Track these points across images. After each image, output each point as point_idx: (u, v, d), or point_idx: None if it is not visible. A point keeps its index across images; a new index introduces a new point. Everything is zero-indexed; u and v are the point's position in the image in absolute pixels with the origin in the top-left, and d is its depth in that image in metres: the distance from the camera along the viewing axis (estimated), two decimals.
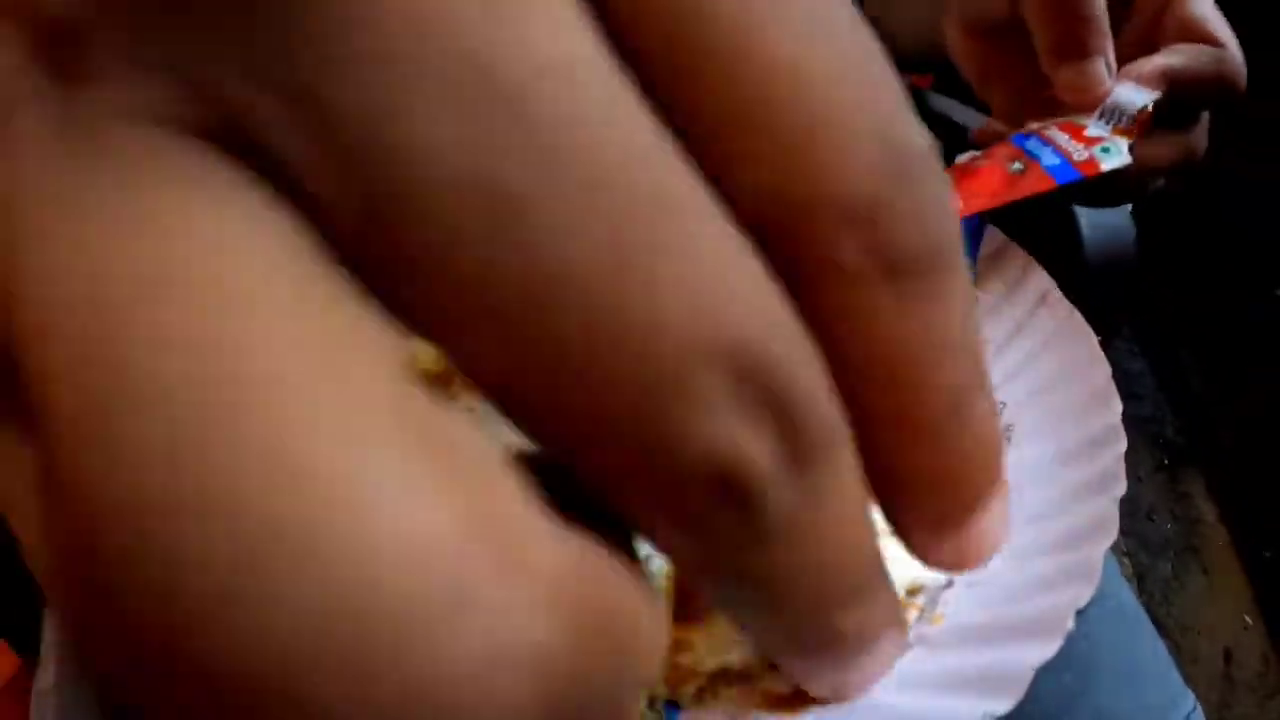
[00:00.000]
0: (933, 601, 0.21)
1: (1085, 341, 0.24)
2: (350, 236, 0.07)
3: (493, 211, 0.06)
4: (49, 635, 0.34)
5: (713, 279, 0.06)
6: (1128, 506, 1.18)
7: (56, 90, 0.06)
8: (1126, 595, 0.34)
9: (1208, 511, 1.58)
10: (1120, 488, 0.20)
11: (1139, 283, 0.52)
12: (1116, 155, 0.28)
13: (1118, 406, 0.21)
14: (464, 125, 0.06)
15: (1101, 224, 0.52)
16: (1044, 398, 0.24)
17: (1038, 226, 0.51)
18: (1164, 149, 0.31)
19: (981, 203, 0.28)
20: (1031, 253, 0.52)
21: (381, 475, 0.06)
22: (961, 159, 0.31)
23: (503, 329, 0.06)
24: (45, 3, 0.06)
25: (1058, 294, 0.26)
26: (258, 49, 0.06)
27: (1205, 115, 0.33)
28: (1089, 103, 0.30)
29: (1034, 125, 0.31)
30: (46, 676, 0.32)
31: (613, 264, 0.06)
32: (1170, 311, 1.96)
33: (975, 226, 0.30)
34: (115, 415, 0.06)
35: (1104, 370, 0.23)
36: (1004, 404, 0.24)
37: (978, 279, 0.29)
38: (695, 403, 0.06)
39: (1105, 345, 0.61)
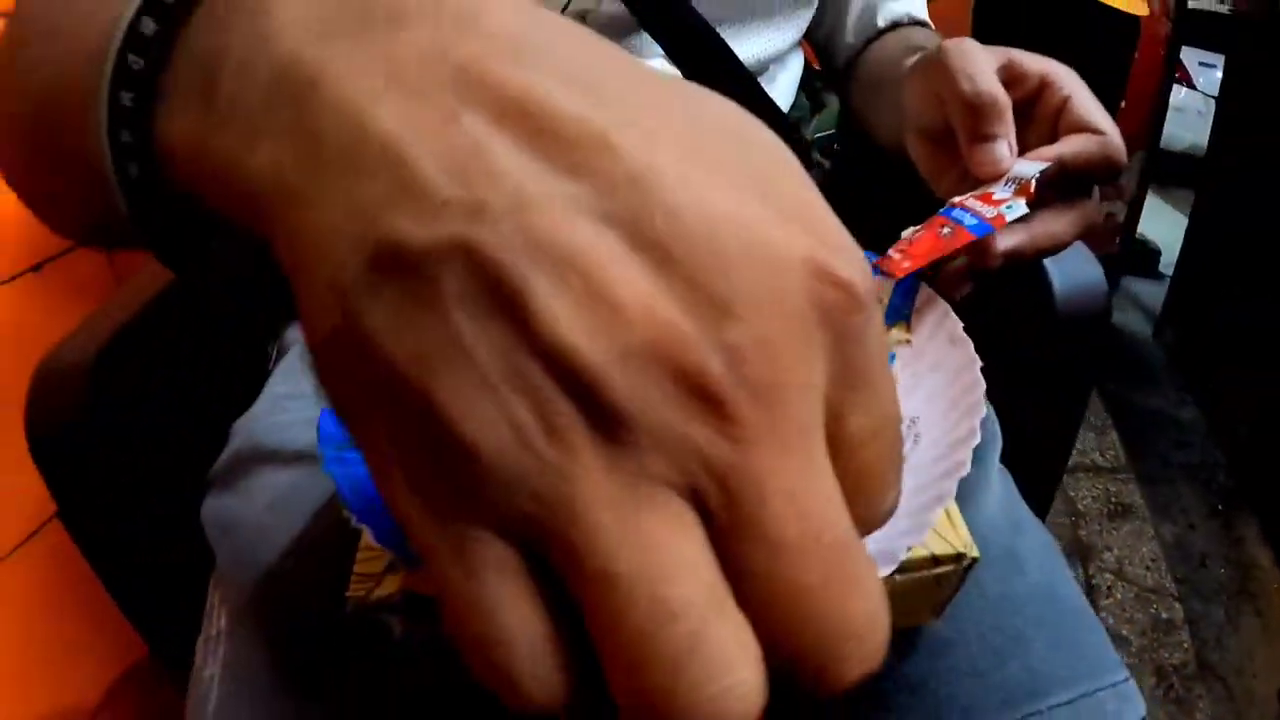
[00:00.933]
0: None
1: (973, 369, 0.32)
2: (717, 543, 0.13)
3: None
4: (211, 627, 0.42)
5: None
6: (1179, 554, 1.22)
7: (607, 447, 0.13)
8: (1066, 589, 0.42)
9: (1262, 556, 1.58)
10: (964, 471, 0.28)
11: (1108, 330, 0.56)
12: (1017, 210, 0.36)
13: (981, 415, 0.30)
14: None
15: (1072, 276, 0.59)
16: (943, 412, 0.32)
17: (1011, 282, 0.59)
18: (1065, 219, 0.39)
19: (920, 261, 0.36)
20: (1007, 306, 0.60)
21: None
22: (906, 233, 0.40)
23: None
24: (607, 397, 0.12)
25: (963, 335, 0.35)
26: (717, 462, 0.13)
27: (1096, 189, 0.42)
28: (996, 174, 0.39)
29: (957, 199, 0.40)
30: (210, 665, 0.39)
31: None
32: (1219, 360, 1.98)
33: (911, 284, 0.39)
34: None
35: (980, 391, 0.31)
36: (917, 418, 0.33)
37: (910, 325, 0.38)
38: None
39: (1087, 392, 0.66)
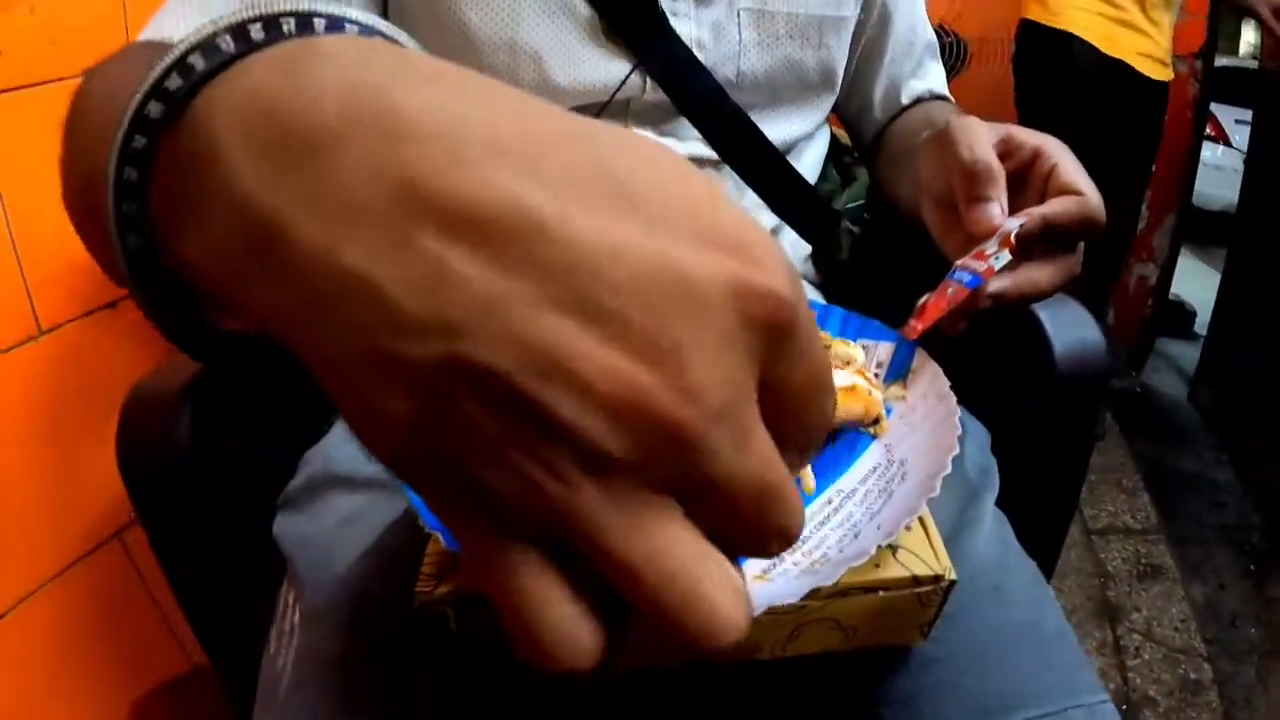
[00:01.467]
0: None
1: (953, 420, 0.38)
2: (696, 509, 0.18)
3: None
4: (284, 623, 0.47)
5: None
6: (1209, 614, 1.24)
7: (605, 480, 0.16)
8: (1050, 620, 0.46)
9: None
10: (934, 493, 0.34)
11: (1109, 385, 0.60)
12: (1002, 259, 0.42)
13: (954, 453, 0.35)
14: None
15: (1069, 331, 0.63)
16: (927, 454, 0.37)
17: (1008, 340, 0.63)
18: (1047, 270, 0.45)
19: (929, 321, 0.43)
20: (1004, 363, 0.64)
21: None
22: (922, 299, 0.46)
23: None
24: (605, 450, 0.16)
25: (949, 392, 0.40)
26: (692, 473, 0.17)
27: (1080, 245, 0.47)
28: (989, 230, 0.44)
29: (960, 260, 0.46)
30: (283, 655, 0.45)
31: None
32: (1255, 419, 1.98)
33: (909, 348, 0.45)
34: None
35: (955, 437, 0.36)
36: (906, 459, 0.38)
37: (907, 383, 0.44)
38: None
39: (1089, 445, 0.70)
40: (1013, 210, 0.45)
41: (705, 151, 0.63)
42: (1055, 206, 0.44)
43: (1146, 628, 1.52)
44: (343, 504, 0.49)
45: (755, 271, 0.17)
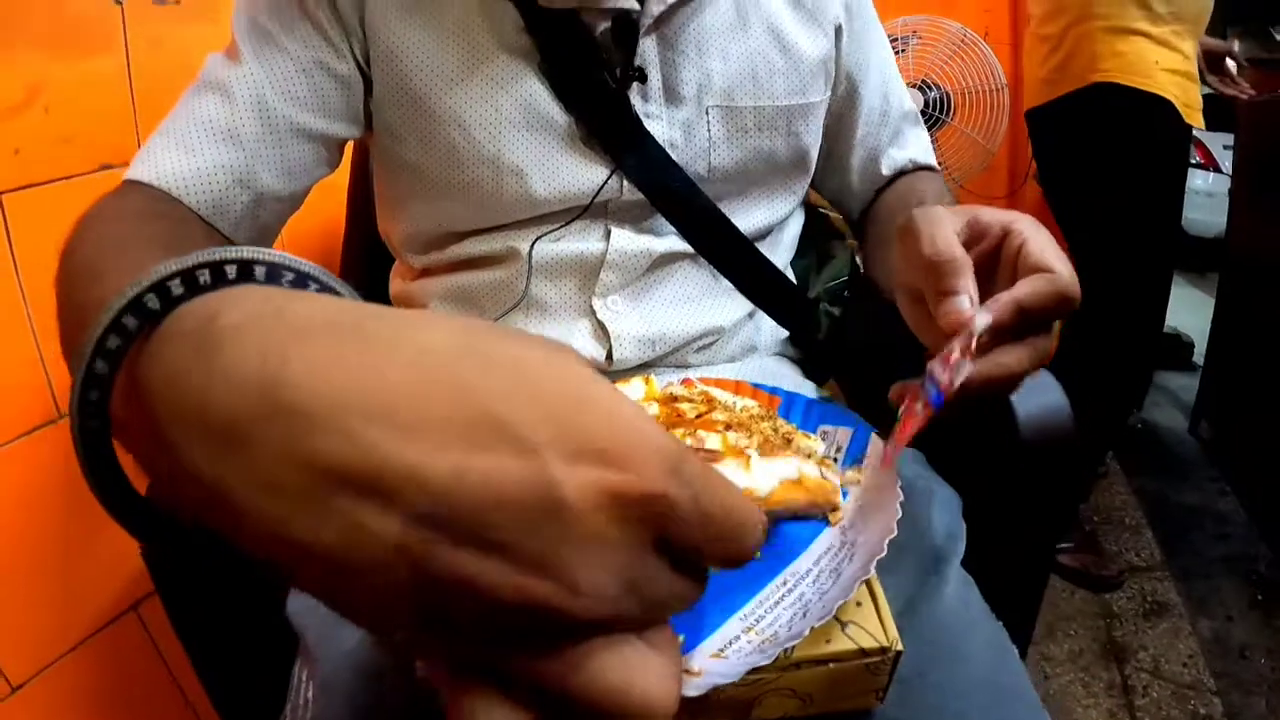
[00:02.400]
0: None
1: (897, 499, 0.42)
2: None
3: None
4: (298, 698, 0.52)
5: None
6: (1218, 648, 1.27)
7: (531, 646, 0.21)
8: (1012, 681, 0.50)
9: None
10: (883, 554, 0.38)
11: (1076, 452, 0.62)
12: (964, 370, 0.41)
13: (884, 550, 0.39)
14: None
15: (1033, 398, 0.67)
16: (877, 531, 0.42)
17: (975, 412, 0.68)
18: (1017, 353, 0.43)
19: (901, 446, 0.43)
20: (972, 428, 0.68)
21: None
22: (901, 410, 0.45)
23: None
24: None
25: (896, 476, 0.45)
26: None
27: (1056, 324, 0.45)
28: (958, 325, 0.42)
29: (931, 363, 0.44)
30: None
31: None
32: (1256, 447, 2.01)
33: (866, 434, 0.50)
34: None
35: (897, 511, 0.41)
36: (858, 539, 0.43)
37: (862, 468, 0.48)
38: None
39: (1063, 507, 0.73)
40: (985, 294, 0.44)
41: (681, 245, 0.69)
42: (1026, 288, 0.43)
43: (1154, 665, 1.54)
44: None
45: (622, 477, 0.20)
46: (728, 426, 0.47)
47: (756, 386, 0.56)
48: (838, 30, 0.73)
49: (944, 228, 0.45)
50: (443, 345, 0.21)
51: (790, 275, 0.77)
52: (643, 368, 0.69)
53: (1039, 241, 0.45)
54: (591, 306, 0.68)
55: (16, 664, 0.84)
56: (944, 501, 0.62)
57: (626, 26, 0.64)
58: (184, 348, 0.23)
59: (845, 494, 0.47)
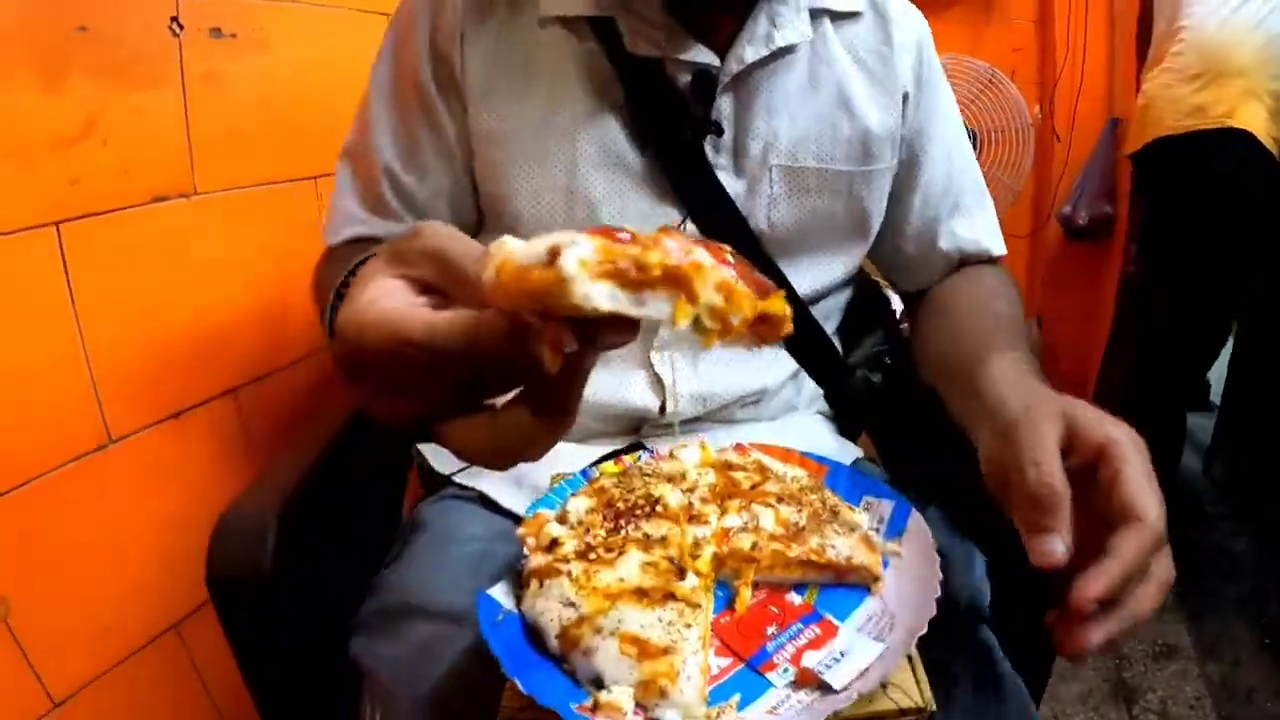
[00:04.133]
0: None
1: (936, 574, 0.48)
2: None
3: None
4: None
5: None
6: (1225, 691, 1.32)
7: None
8: None
9: None
10: (923, 631, 0.44)
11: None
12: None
13: (924, 627, 0.45)
14: None
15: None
16: (915, 606, 0.47)
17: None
18: (1150, 592, 0.44)
19: None
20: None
21: None
22: None
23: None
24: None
25: (934, 553, 0.50)
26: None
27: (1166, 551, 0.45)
28: (1050, 564, 0.42)
29: None
30: None
31: None
32: (1273, 491, 2.06)
33: (906, 509, 0.55)
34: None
35: (937, 588, 0.47)
36: (896, 613, 0.48)
37: (901, 541, 0.53)
38: None
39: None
40: (1083, 512, 0.44)
41: None
42: (1115, 569, 0.42)
43: (1162, 707, 1.59)
44: (420, 630, 0.59)
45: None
46: (779, 499, 0.53)
47: (805, 455, 0.61)
48: (905, 97, 0.77)
49: (1048, 449, 0.45)
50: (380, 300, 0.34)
51: (836, 341, 0.83)
52: (692, 420, 0.75)
53: (1134, 473, 0.45)
54: (650, 359, 0.74)
55: (58, 681, 0.89)
56: (970, 562, 0.68)
57: (706, 81, 0.70)
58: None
59: (886, 563, 0.52)
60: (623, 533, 0.49)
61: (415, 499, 0.81)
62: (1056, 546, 0.43)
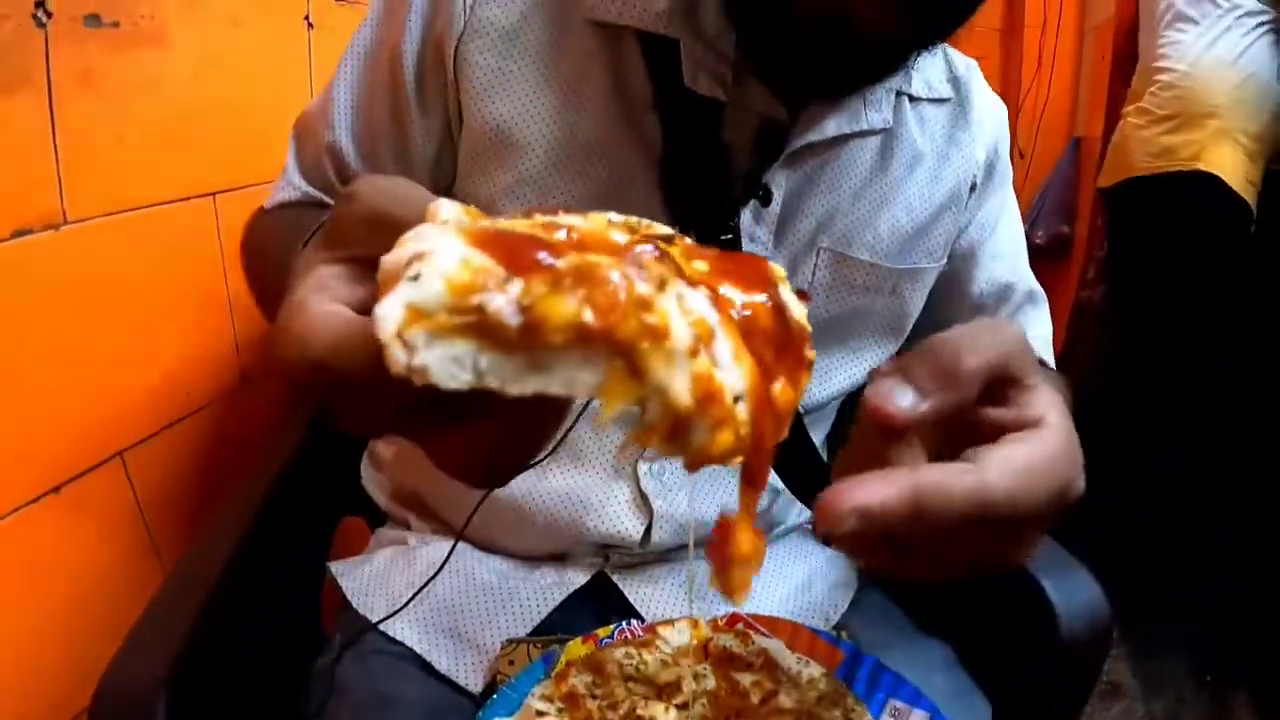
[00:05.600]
0: None
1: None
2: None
3: None
4: None
5: None
6: None
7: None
8: None
9: None
10: None
11: (1107, 651, 0.62)
12: None
13: None
14: None
15: (1074, 597, 0.66)
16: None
17: (1011, 610, 0.66)
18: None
19: None
20: (1004, 630, 0.67)
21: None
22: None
23: None
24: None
25: None
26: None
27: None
28: (885, 413, 0.33)
29: None
30: None
31: None
32: (1212, 536, 2.10)
33: None
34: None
35: None
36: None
37: None
38: None
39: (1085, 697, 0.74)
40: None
41: None
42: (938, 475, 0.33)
43: None
44: None
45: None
46: (796, 718, 0.44)
47: (815, 633, 0.52)
48: (972, 188, 0.71)
49: (971, 345, 0.34)
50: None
51: (823, 452, 0.74)
52: (671, 550, 0.65)
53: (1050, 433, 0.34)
54: (635, 470, 0.64)
55: None
56: (976, 712, 0.62)
57: (771, 138, 0.61)
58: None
59: None
60: None
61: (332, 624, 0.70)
62: (906, 397, 0.33)
